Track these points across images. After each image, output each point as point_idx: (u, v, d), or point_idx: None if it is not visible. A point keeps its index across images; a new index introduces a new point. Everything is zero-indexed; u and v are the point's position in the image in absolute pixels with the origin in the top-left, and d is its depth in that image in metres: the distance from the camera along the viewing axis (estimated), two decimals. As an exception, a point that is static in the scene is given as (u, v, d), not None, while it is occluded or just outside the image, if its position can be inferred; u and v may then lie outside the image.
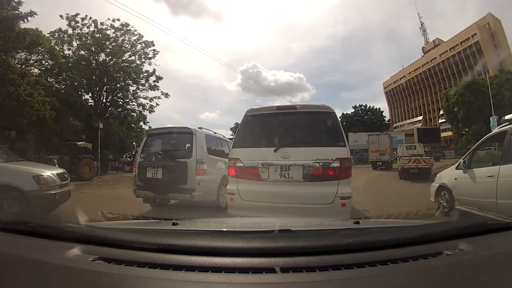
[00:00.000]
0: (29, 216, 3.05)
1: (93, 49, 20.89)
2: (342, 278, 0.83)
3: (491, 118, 19.79)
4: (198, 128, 5.87)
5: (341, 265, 0.88)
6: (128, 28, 21.90)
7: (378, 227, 1.63)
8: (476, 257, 0.96)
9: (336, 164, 3.25)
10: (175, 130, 5.94)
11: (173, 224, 1.51)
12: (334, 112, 3.73)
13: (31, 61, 17.91)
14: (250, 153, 3.55)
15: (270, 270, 0.84)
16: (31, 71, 17.38)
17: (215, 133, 6.83)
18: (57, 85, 19.46)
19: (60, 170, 5.20)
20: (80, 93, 21.20)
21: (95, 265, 0.91)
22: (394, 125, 63.87)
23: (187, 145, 5.46)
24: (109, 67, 21.49)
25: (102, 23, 21.19)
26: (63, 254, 0.96)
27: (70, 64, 19.77)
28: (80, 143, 15.10)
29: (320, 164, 3.28)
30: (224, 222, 2.28)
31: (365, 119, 51.73)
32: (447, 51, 56.85)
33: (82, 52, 20.97)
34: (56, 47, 19.30)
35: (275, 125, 3.72)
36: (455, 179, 4.88)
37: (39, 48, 16.90)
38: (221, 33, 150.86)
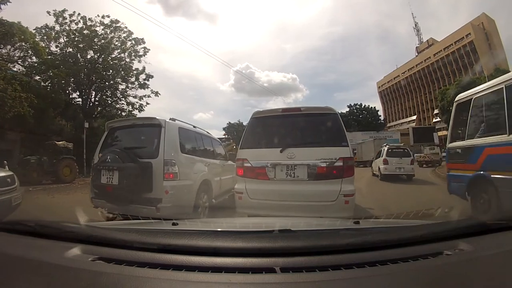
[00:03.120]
0: (29, 216, 3.06)
1: (81, 46, 20.08)
2: (342, 278, 0.83)
3: None
4: (170, 119, 4.66)
5: (341, 265, 0.87)
6: (118, 25, 21.17)
7: (378, 227, 1.63)
8: (476, 257, 0.96)
9: (339, 163, 3.39)
10: (140, 122, 4.69)
11: (173, 224, 1.51)
12: (337, 114, 3.88)
13: (15, 57, 17.06)
14: (257, 153, 3.70)
15: (270, 270, 0.84)
16: (11, 67, 16.53)
17: (194, 127, 5.56)
18: (43, 83, 18.66)
19: (2, 174, 4.10)
20: (67, 92, 20.46)
21: (95, 265, 0.91)
22: (388, 125, 64.07)
23: (154, 141, 4.22)
24: (97, 64, 20.79)
25: (90, 19, 20.49)
26: (63, 254, 0.96)
27: (57, 62, 18.94)
28: (60, 142, 13.97)
29: (324, 163, 3.42)
30: (224, 222, 2.28)
31: (360, 118, 51.57)
32: (441, 50, 57.23)
33: (70, 49, 20.19)
34: (41, 43, 18.50)
35: (281, 127, 3.87)
36: (374, 162, 14.06)
37: (23, 43, 16.12)
38: (215, 35, 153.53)
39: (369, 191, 7.98)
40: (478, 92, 4.49)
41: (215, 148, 6.13)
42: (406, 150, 12.29)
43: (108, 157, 4.08)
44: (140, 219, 1.94)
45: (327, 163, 3.41)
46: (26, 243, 1.08)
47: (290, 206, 3.36)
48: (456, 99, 5.17)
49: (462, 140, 4.72)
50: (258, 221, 2.20)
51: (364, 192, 6.99)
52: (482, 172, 4.11)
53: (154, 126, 4.30)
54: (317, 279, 0.81)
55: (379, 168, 12.15)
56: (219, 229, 1.48)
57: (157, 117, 4.42)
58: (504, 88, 3.87)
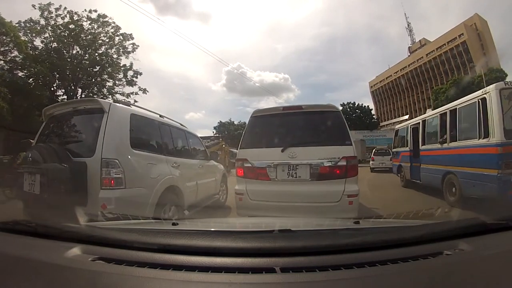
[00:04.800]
0: (29, 216, 3.02)
1: (66, 41, 19.38)
2: (342, 278, 0.83)
3: None
4: (121, 102, 3.64)
5: (341, 265, 0.88)
6: (105, 20, 20.58)
7: (378, 227, 1.63)
8: (476, 257, 0.96)
9: (342, 163, 3.29)
10: (81, 106, 3.38)
11: (173, 224, 1.52)
12: (340, 111, 3.77)
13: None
14: (258, 153, 3.59)
15: (270, 270, 0.84)
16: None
17: (161, 116, 4.28)
18: (27, 79, 17.86)
19: None
20: (52, 88, 19.67)
21: (95, 265, 0.91)
22: (381, 124, 64.24)
23: (93, 132, 3.08)
24: (84, 61, 20.22)
25: (76, 13, 19.84)
26: (63, 254, 0.96)
27: (42, 57, 18.17)
28: None
29: (327, 163, 3.32)
30: (224, 222, 2.28)
31: (353, 117, 51.09)
32: (433, 50, 57.56)
33: (55, 44, 19.44)
34: (25, 37, 17.91)
35: (282, 126, 3.76)
36: (370, 161, 17.84)
37: (4, 37, 15.54)
38: (207, 34, 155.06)
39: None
40: (400, 127, 9.86)
41: (191, 145, 5.05)
42: (387, 151, 17.23)
43: (30, 155, 3.04)
44: (140, 219, 1.94)
45: (330, 163, 3.31)
46: (26, 243, 1.08)
47: (292, 207, 3.27)
48: (395, 128, 10.65)
49: (396, 148, 9.90)
50: (258, 221, 2.20)
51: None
52: (400, 163, 9.11)
53: (95, 111, 3.16)
54: (317, 279, 0.81)
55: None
56: (219, 229, 1.48)
57: (99, 99, 3.33)
58: (406, 127, 8.89)
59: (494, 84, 4.74)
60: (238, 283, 0.81)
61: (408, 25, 69.03)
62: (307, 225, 1.76)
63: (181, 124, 5.00)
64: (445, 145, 5.91)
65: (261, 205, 3.39)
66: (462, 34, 51.90)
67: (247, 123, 4.01)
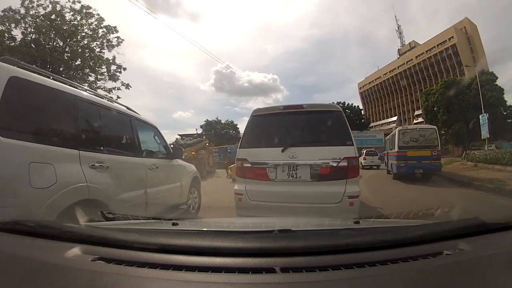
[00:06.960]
0: (29, 216, 3.02)
1: (46, 32, 18.54)
2: (342, 278, 0.83)
3: (480, 116, 19.49)
4: (3, 58, 2.19)
5: (341, 265, 0.88)
6: (88, 11, 19.67)
7: (378, 227, 1.63)
8: (476, 257, 0.96)
9: (344, 163, 3.26)
10: None
11: (173, 224, 1.51)
12: (341, 111, 3.73)
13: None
14: (258, 153, 3.54)
15: (270, 270, 0.85)
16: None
17: (87, 91, 3.15)
18: None
19: None
20: None
21: (95, 265, 0.91)
22: (370, 125, 64.40)
23: None
24: (65, 53, 19.40)
25: (58, 2, 18.89)
26: (63, 254, 0.96)
27: (21, 49, 17.09)
28: None
29: (328, 163, 3.29)
30: (224, 222, 2.28)
31: None
32: (423, 53, 57.99)
33: (34, 35, 18.53)
34: (1, 27, 17.20)
35: (282, 125, 3.72)
36: (362, 160, 20.86)
37: None
38: (196, 33, 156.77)
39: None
40: (387, 138, 15.95)
41: (140, 137, 3.63)
42: (375, 152, 22.49)
43: None
44: (140, 219, 1.94)
45: (331, 163, 3.27)
46: (26, 243, 1.07)
47: (292, 208, 3.24)
48: (386, 138, 17.19)
49: (385, 150, 16.07)
50: (258, 221, 2.20)
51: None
52: (385, 160, 15.15)
53: None
54: (317, 279, 0.81)
55: (361, 162, 20.86)
56: (219, 229, 1.48)
57: None
58: (388, 138, 14.76)
59: (398, 128, 11.33)
60: (238, 283, 0.81)
61: (398, 27, 70.00)
62: (307, 225, 1.76)
63: (128, 108, 3.64)
64: (391, 151, 12.41)
65: (260, 206, 3.36)
66: (452, 37, 52.53)
67: (246, 122, 3.94)
